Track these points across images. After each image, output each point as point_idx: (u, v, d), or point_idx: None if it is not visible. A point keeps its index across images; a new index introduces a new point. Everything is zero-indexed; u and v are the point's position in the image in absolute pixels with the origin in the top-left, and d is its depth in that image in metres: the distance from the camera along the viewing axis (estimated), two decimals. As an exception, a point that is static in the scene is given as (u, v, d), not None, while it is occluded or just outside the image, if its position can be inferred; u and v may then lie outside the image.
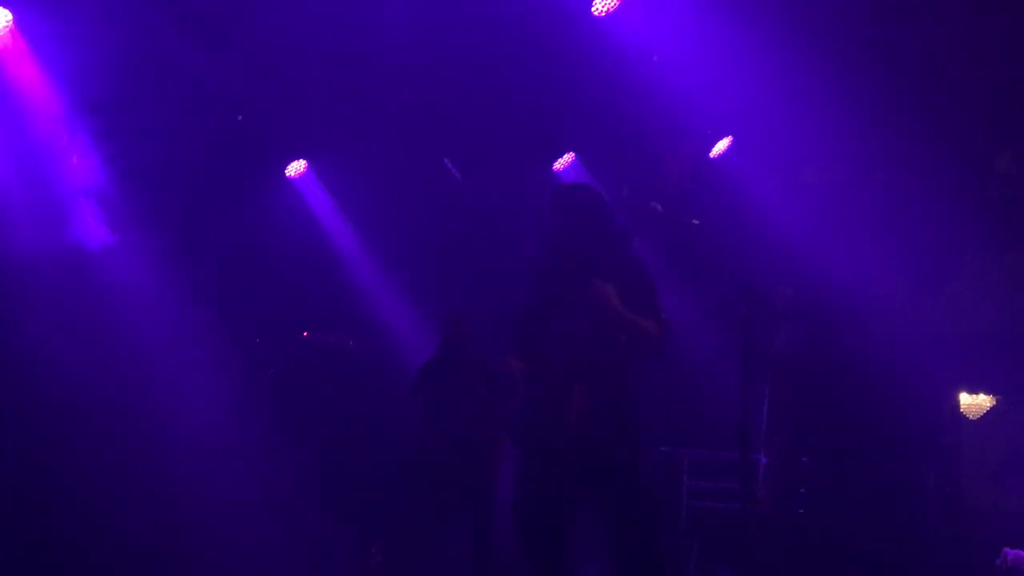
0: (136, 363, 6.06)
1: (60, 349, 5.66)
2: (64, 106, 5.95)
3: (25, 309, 5.68)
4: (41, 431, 5.63)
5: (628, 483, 3.87)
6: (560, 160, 7.72)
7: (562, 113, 6.90)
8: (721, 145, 7.49)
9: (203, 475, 6.11)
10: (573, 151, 7.71)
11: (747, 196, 7.42)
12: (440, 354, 6.11)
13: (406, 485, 6.03)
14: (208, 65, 6.00)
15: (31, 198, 5.93)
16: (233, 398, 6.40)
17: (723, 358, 6.70)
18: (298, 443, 6.72)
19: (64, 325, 5.74)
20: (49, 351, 5.62)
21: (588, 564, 4.63)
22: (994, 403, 7.42)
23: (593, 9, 6.05)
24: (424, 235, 7.60)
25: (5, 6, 5.68)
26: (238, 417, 6.38)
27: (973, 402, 7.47)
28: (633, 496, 3.87)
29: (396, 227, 7.64)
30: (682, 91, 6.50)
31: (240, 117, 6.56)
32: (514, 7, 5.79)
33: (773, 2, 5.91)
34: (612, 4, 5.99)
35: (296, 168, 7.34)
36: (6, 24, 5.79)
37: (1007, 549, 5.73)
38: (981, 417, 7.47)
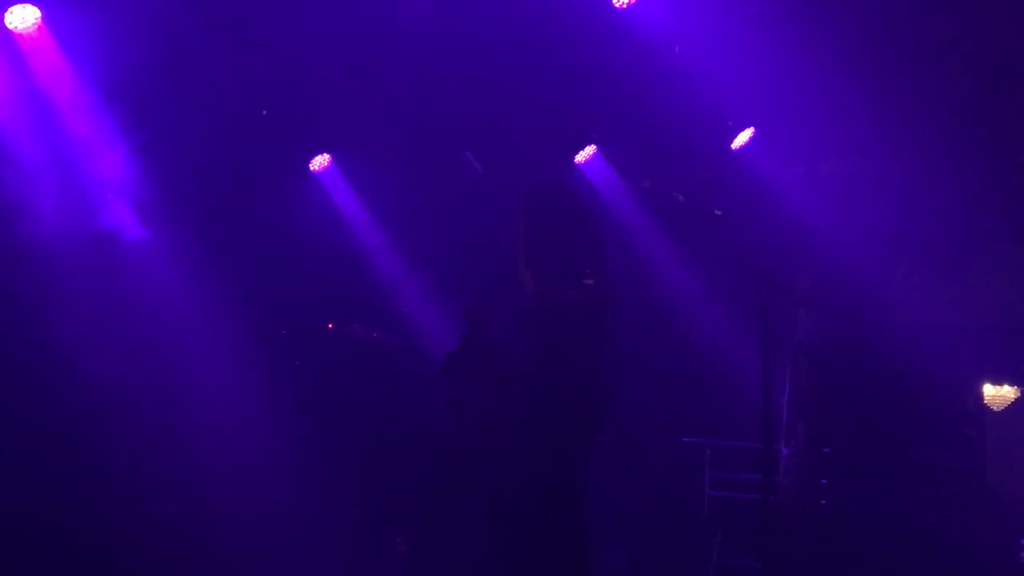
0: (163, 355, 6.15)
1: (92, 341, 5.76)
2: (91, 100, 6.04)
3: (57, 301, 5.77)
4: (72, 422, 5.72)
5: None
6: (582, 152, 7.74)
7: (583, 106, 6.91)
8: (743, 136, 7.48)
9: (230, 465, 6.18)
10: (595, 143, 7.73)
11: (768, 187, 7.42)
12: (462, 343, 6.17)
13: (430, 474, 6.08)
14: (233, 59, 6.06)
15: (62, 191, 6.03)
16: (259, 388, 6.47)
17: (744, 348, 6.72)
18: (323, 433, 6.79)
19: (95, 317, 5.84)
20: (81, 343, 5.72)
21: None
22: (1018, 394, 7.38)
23: (615, 1, 6.07)
24: (446, 228, 7.64)
25: (33, 3, 5.79)
26: (264, 407, 6.46)
27: (997, 393, 7.43)
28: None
29: (418, 220, 7.68)
30: (703, 82, 6.50)
31: (264, 111, 6.61)
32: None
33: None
34: (633, -4, 6.00)
35: (320, 162, 7.40)
36: (35, 21, 5.90)
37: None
38: (1005, 408, 7.44)
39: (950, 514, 6.56)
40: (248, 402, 6.38)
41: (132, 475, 5.74)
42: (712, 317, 7.40)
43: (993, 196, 7.28)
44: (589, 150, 7.72)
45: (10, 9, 5.74)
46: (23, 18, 5.83)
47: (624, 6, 6.10)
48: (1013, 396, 7.43)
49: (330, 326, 7.18)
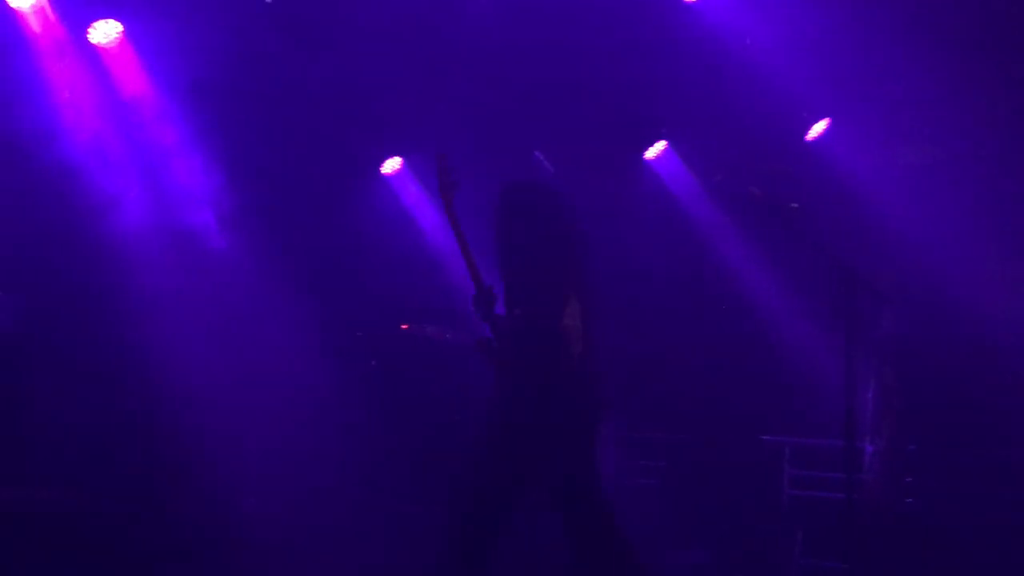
0: (244, 353, 6.29)
1: (181, 343, 5.94)
2: (172, 108, 6.22)
3: (149, 304, 5.98)
4: (167, 422, 5.88)
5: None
6: (652, 148, 7.68)
7: (653, 101, 6.86)
8: (818, 127, 7.34)
9: (306, 464, 6.29)
10: (665, 139, 7.67)
11: (846, 178, 7.26)
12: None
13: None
14: (306, 65, 6.18)
15: (148, 191, 6.23)
16: (337, 387, 6.57)
17: (823, 344, 6.58)
18: (397, 433, 6.86)
19: (184, 319, 6.02)
20: (171, 345, 5.91)
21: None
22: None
23: (684, -5, 6.01)
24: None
25: (116, 18, 5.99)
26: (341, 406, 6.55)
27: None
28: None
29: (488, 221, 7.70)
30: (775, 73, 6.39)
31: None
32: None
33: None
34: (704, -12, 5.93)
35: (392, 165, 7.48)
36: (117, 35, 6.10)
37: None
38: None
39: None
40: (326, 401, 6.48)
41: (226, 469, 5.87)
42: (791, 313, 7.27)
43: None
44: (659, 146, 7.66)
45: (92, 24, 5.95)
46: (106, 33, 6.04)
47: (693, 0, 6.04)
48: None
49: (405, 327, 7.27)
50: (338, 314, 6.83)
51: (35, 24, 5.69)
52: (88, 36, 5.96)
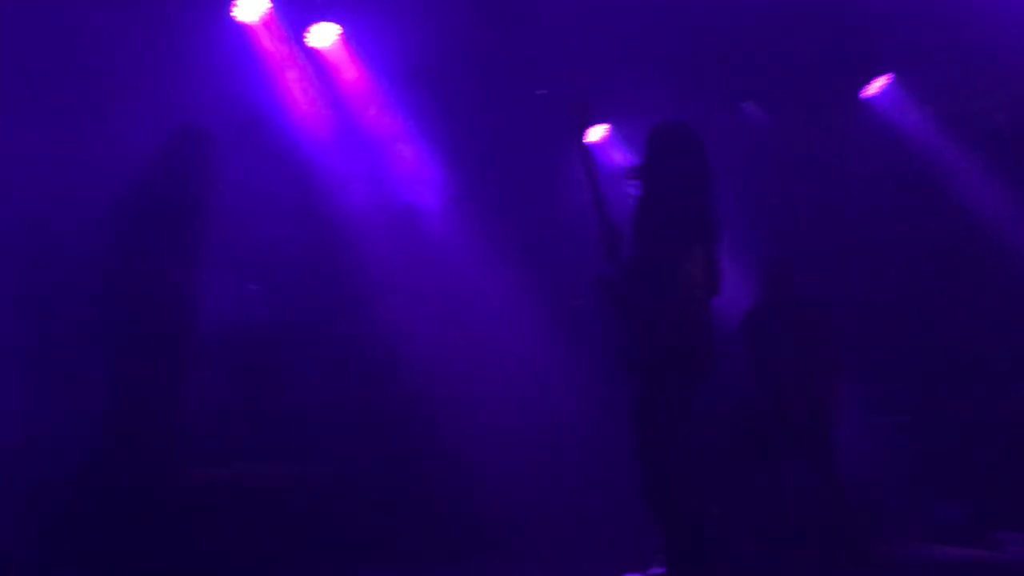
0: (467, 328, 6.48)
1: (416, 322, 6.26)
2: (386, 96, 6.65)
3: (386, 284, 6.35)
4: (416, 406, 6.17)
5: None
6: (873, 84, 7.16)
7: (873, 31, 6.36)
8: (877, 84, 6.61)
9: (531, 439, 6.29)
10: (891, 72, 7.11)
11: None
12: (765, 299, 5.97)
13: (736, 436, 5.94)
14: (508, 46, 6.35)
15: (371, 172, 6.72)
16: (557, 360, 6.57)
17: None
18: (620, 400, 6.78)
19: (417, 297, 6.35)
20: (407, 323, 6.23)
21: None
22: None
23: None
24: (730, 185, 7.40)
25: (335, 21, 6.44)
26: (564, 378, 6.54)
27: None
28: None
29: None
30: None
31: (542, 92, 6.84)
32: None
33: None
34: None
35: (599, 133, 7.43)
36: (336, 37, 6.56)
37: None
38: None
39: None
40: (546, 372, 6.51)
41: (451, 440, 6.06)
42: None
43: None
44: (882, 81, 7.12)
45: (309, 29, 6.44)
46: (323, 36, 6.52)
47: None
48: None
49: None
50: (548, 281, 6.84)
51: (263, 33, 6.23)
52: (305, 41, 6.45)
